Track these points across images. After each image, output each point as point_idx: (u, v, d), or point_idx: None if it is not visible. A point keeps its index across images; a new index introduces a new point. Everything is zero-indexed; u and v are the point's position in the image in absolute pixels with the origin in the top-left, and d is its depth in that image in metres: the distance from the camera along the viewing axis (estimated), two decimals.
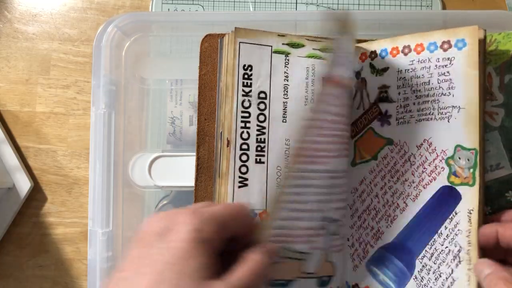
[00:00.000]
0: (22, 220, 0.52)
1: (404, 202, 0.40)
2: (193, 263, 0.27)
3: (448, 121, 0.38)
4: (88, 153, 0.51)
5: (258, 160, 0.40)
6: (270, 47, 0.41)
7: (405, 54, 0.40)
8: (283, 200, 0.36)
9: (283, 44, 0.41)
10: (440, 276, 0.37)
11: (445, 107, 0.38)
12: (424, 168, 0.39)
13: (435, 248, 0.38)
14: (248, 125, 0.40)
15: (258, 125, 0.41)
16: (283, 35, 0.41)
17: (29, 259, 0.52)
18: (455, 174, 0.38)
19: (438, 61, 0.39)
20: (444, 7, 0.52)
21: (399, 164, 0.40)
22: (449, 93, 0.38)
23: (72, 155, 0.52)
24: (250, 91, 0.41)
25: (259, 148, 0.41)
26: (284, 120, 0.41)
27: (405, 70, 0.40)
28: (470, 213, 0.37)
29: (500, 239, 0.35)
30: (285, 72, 0.41)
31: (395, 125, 0.41)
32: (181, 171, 0.47)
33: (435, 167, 0.39)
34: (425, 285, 0.38)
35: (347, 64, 0.40)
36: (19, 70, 0.53)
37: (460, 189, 0.37)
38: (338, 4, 0.52)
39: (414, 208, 0.39)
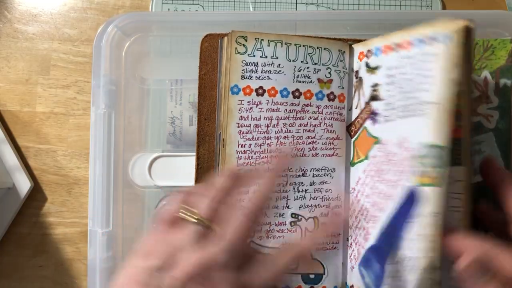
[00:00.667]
0: (22, 220, 0.52)
1: (385, 203, 0.38)
2: None
3: (423, 118, 0.36)
4: (88, 153, 0.51)
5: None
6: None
7: (396, 51, 0.39)
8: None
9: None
10: (406, 282, 0.36)
11: (421, 102, 0.37)
12: (401, 167, 0.37)
13: (402, 253, 0.36)
14: None
15: None
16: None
17: (29, 259, 0.52)
18: (424, 173, 0.35)
19: (425, 57, 0.37)
20: (444, 7, 0.52)
21: (384, 163, 0.39)
22: (427, 89, 0.36)
23: (72, 155, 0.52)
24: None
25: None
26: None
27: (395, 67, 0.39)
28: (434, 217, 0.34)
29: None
30: None
31: (383, 123, 0.40)
32: (181, 171, 0.47)
33: (409, 166, 0.37)
34: None
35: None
36: (19, 70, 0.53)
37: (427, 190, 0.35)
38: (338, 4, 0.52)
39: (391, 209, 0.38)
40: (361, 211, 0.41)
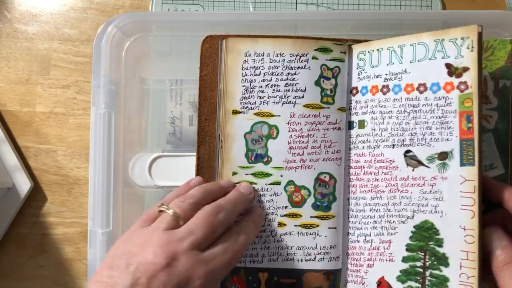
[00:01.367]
0: (22, 220, 0.52)
1: None
2: None
3: None
4: (88, 153, 0.51)
5: None
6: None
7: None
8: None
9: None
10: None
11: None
12: None
13: None
14: None
15: None
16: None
17: (29, 259, 0.52)
18: None
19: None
20: (444, 7, 0.52)
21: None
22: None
23: (72, 155, 0.52)
24: None
25: None
26: None
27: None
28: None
29: None
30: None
31: None
32: (181, 171, 0.47)
33: None
34: None
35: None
36: (19, 70, 0.53)
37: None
38: (338, 4, 0.52)
39: None
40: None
